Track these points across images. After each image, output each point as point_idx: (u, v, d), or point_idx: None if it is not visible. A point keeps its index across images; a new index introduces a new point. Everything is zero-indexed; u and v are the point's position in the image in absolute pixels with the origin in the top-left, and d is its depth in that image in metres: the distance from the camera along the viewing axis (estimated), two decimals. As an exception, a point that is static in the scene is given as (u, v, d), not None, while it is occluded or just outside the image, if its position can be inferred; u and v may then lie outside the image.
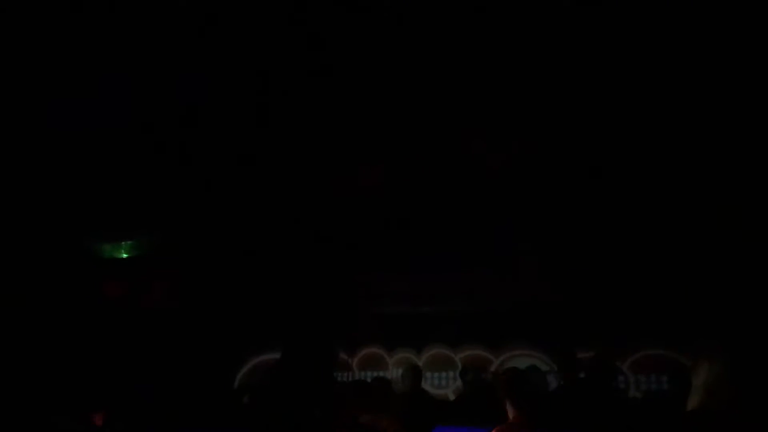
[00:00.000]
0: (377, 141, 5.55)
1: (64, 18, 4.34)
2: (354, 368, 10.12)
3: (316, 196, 6.74)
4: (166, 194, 7.03)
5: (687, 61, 4.47)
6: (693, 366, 2.15)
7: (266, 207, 7.08)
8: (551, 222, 7.02)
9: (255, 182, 6.50)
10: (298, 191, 6.63)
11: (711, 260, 6.93)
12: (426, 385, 9.49)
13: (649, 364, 8.38)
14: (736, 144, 5.24)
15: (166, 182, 6.68)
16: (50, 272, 8.10)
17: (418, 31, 4.40)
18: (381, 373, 9.46)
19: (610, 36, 4.48)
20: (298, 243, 7.97)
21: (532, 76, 4.72)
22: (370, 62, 4.66)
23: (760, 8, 3.88)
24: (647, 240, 7.08)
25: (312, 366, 8.85)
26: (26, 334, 7.54)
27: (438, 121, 5.28)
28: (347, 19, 4.33)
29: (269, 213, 7.24)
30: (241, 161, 5.96)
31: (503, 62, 4.64)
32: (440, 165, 5.98)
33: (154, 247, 8.75)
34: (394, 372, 9.56)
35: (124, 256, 9.10)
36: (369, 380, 7.98)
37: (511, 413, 4.02)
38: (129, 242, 8.92)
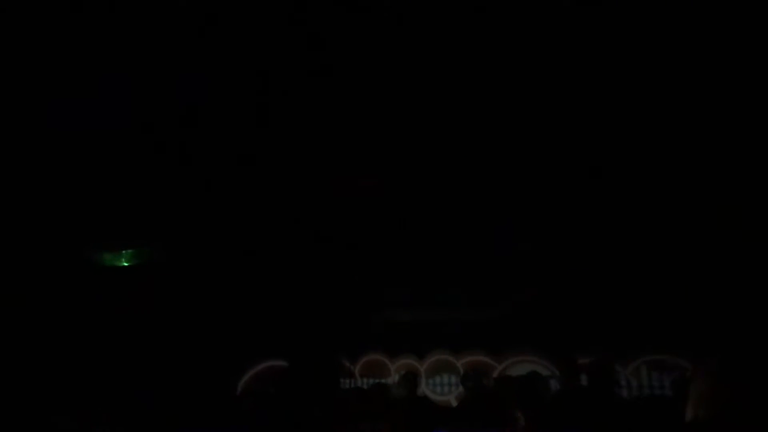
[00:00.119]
0: (377, 141, 5.54)
1: (64, 18, 4.34)
2: (356, 375, 10.09)
3: (317, 199, 6.72)
4: (166, 198, 7.03)
5: (681, 61, 4.47)
6: (692, 373, 2.13)
7: (267, 210, 7.07)
8: (553, 226, 7.00)
9: (256, 184, 6.48)
10: (299, 193, 6.62)
11: (713, 264, 6.90)
12: (428, 392, 9.46)
13: (651, 369, 8.34)
14: (735, 147, 5.22)
15: (166, 186, 6.68)
16: (52, 276, 8.10)
17: (418, 32, 4.40)
18: (383, 380, 9.43)
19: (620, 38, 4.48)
20: (299, 247, 7.96)
21: (531, 75, 4.71)
22: (370, 62, 4.66)
23: (760, 8, 3.87)
24: (649, 245, 7.06)
25: (317, 373, 8.84)
26: (27, 337, 7.53)
27: (438, 121, 5.27)
28: (347, 19, 4.32)
29: (270, 216, 7.22)
30: (241, 162, 5.95)
31: (503, 62, 4.63)
32: (441, 166, 5.96)
33: (155, 254, 8.75)
34: (396, 378, 9.53)
35: (125, 264, 9.11)
36: (368, 387, 7.97)
37: (518, 420, 4.01)
38: (130, 251, 8.93)
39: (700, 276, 7.13)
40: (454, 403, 9.08)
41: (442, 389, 9.55)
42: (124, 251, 8.95)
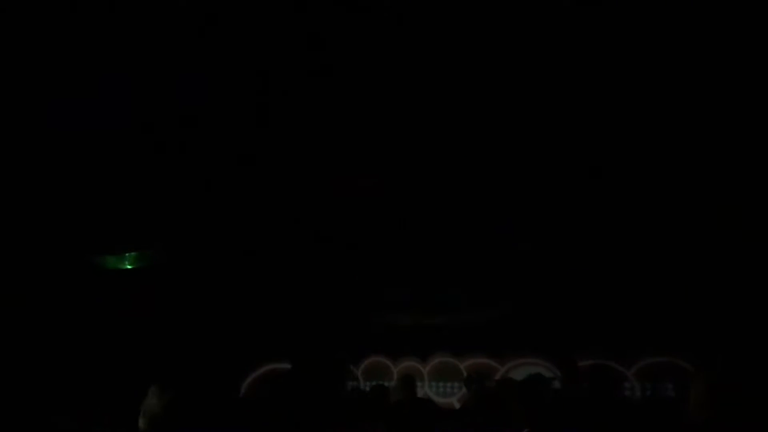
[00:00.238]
0: (377, 141, 5.52)
1: (64, 18, 4.34)
2: (359, 377, 10.09)
3: (317, 200, 6.71)
4: (168, 200, 7.03)
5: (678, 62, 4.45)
6: (693, 375, 2.12)
7: (268, 212, 7.06)
8: (554, 228, 6.98)
9: (256, 185, 6.48)
10: (300, 194, 6.61)
11: (714, 267, 6.87)
12: (431, 394, 9.45)
13: (654, 371, 8.30)
14: (735, 147, 5.19)
15: (167, 188, 6.67)
16: (55, 279, 8.11)
17: (418, 32, 4.38)
18: (385, 383, 9.41)
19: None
20: (300, 249, 7.95)
21: (530, 75, 4.69)
22: (369, 62, 4.64)
23: (760, 8, 3.84)
24: (651, 247, 7.03)
25: (320, 375, 8.82)
26: (30, 339, 7.54)
27: (438, 122, 5.25)
28: (347, 20, 4.31)
29: (271, 218, 7.22)
30: (242, 162, 5.94)
31: (504, 62, 4.61)
32: (441, 167, 5.94)
33: (158, 257, 8.76)
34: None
35: (128, 267, 9.12)
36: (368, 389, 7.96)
37: (521, 422, 4.00)
38: (133, 254, 8.94)
39: (701, 278, 7.10)
40: (457, 406, 9.07)
41: (445, 391, 9.54)
42: (127, 254, 8.96)
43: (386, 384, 9.20)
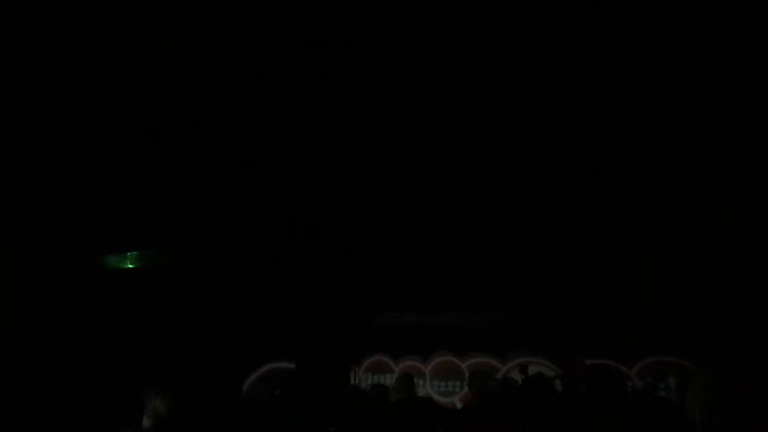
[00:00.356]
0: (378, 142, 5.53)
1: (64, 18, 4.34)
2: (360, 376, 10.10)
3: (319, 200, 6.72)
4: (169, 200, 7.03)
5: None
6: (693, 375, 2.11)
7: (269, 211, 7.07)
8: (556, 228, 6.98)
9: (257, 185, 6.48)
10: (301, 194, 6.61)
11: (714, 266, 6.87)
12: (432, 393, 9.46)
13: (656, 370, 8.31)
14: (735, 147, 5.19)
15: (169, 187, 6.68)
16: (56, 279, 8.12)
17: (416, 32, 4.38)
18: (386, 381, 9.42)
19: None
20: (302, 248, 7.96)
21: (530, 75, 4.68)
22: (369, 62, 4.64)
23: (760, 8, 3.84)
24: (652, 248, 7.03)
25: (324, 375, 8.83)
26: (31, 339, 7.55)
27: (440, 122, 5.25)
28: (347, 20, 4.31)
29: (272, 217, 7.22)
30: (243, 163, 5.95)
31: (502, 63, 4.61)
32: (445, 167, 5.95)
33: (159, 256, 8.77)
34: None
35: (130, 266, 9.13)
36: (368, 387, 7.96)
37: (523, 422, 3.98)
38: (134, 253, 8.95)
39: (702, 277, 7.10)
40: (459, 405, 9.07)
41: (446, 390, 9.54)
42: (128, 253, 8.97)
43: (384, 383, 9.24)
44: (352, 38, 4.36)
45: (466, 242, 7.40)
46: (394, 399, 6.42)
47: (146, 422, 5.08)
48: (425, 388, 9.54)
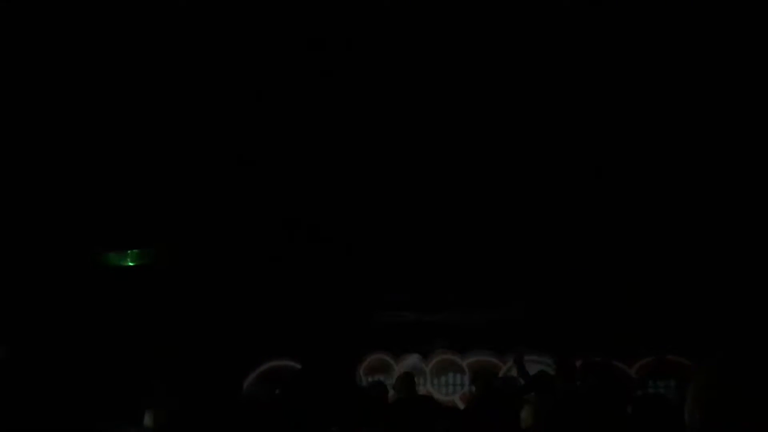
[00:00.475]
0: (378, 142, 5.53)
1: (63, 18, 4.35)
2: (360, 374, 10.09)
3: (320, 198, 6.72)
4: (171, 198, 7.04)
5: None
6: (692, 373, 2.10)
7: (269, 210, 7.07)
8: (558, 228, 6.98)
9: (258, 185, 6.49)
10: (302, 193, 6.62)
11: (714, 265, 6.87)
12: (433, 391, 9.44)
13: (656, 369, 8.31)
14: (735, 147, 5.19)
15: (170, 186, 6.69)
16: (57, 278, 8.13)
17: (416, 33, 4.39)
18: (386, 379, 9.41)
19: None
20: (302, 246, 7.96)
21: (530, 75, 4.69)
22: (369, 62, 4.65)
23: (760, 8, 3.84)
24: (653, 247, 7.03)
25: (329, 375, 8.82)
26: (31, 338, 7.55)
27: (442, 122, 5.26)
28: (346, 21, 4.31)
29: (272, 216, 7.22)
30: (242, 163, 5.95)
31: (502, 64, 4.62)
32: (447, 167, 5.95)
33: (160, 254, 8.77)
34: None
35: (130, 264, 9.14)
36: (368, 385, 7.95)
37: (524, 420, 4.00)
38: (135, 251, 8.95)
39: (701, 276, 7.10)
40: (459, 403, 9.08)
41: (447, 389, 9.54)
42: (129, 251, 8.97)
43: (383, 381, 9.23)
44: (353, 39, 4.36)
45: (466, 242, 7.41)
46: (395, 397, 6.44)
47: (147, 420, 5.10)
48: (426, 386, 9.54)
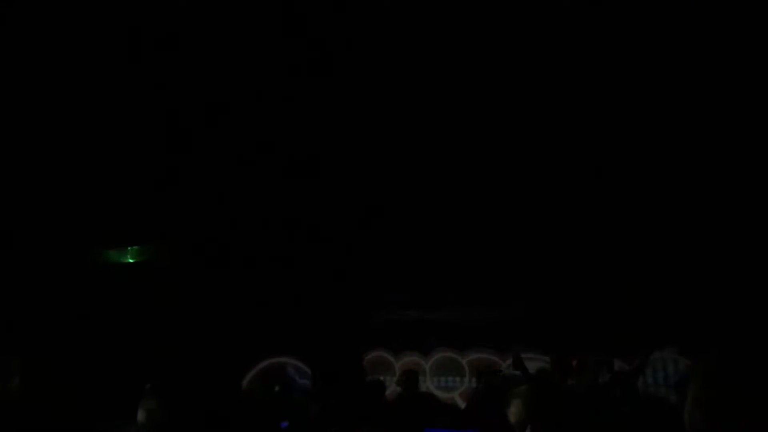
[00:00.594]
0: (379, 143, 5.54)
1: (62, 17, 4.35)
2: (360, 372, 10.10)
3: (320, 196, 6.73)
4: (171, 195, 7.04)
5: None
6: (690, 372, 2.11)
7: (268, 207, 7.07)
8: (556, 226, 6.98)
9: (257, 184, 6.49)
10: (301, 191, 6.62)
11: (714, 264, 6.88)
12: (433, 389, 9.47)
13: (655, 367, 8.31)
14: (736, 146, 5.19)
15: (171, 183, 6.69)
16: (57, 275, 8.13)
17: (416, 33, 4.39)
18: (385, 378, 9.42)
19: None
20: (303, 243, 7.97)
21: (530, 76, 4.69)
22: (369, 62, 4.65)
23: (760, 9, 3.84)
24: (652, 246, 7.04)
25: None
26: (31, 336, 7.56)
27: (443, 122, 5.26)
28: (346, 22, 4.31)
29: (272, 214, 7.23)
30: (241, 162, 5.96)
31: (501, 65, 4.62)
32: (442, 167, 5.95)
33: (160, 251, 8.78)
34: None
35: (130, 261, 9.14)
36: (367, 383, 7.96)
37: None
38: (135, 248, 8.96)
39: (700, 276, 7.11)
40: (459, 401, 9.10)
41: (447, 386, 9.56)
42: (129, 248, 8.98)
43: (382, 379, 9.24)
44: (353, 38, 4.36)
45: (466, 241, 7.42)
46: (398, 392, 6.46)
47: (140, 416, 5.09)
48: (425, 384, 9.55)
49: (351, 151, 5.81)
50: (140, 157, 6.31)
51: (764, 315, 6.19)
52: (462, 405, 8.91)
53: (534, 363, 8.58)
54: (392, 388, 9.01)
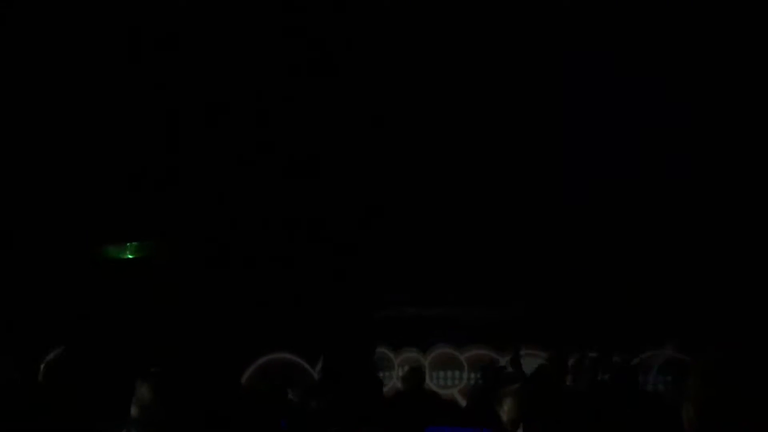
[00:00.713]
0: (381, 141, 5.54)
1: (63, 17, 4.35)
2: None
3: (318, 198, 6.73)
4: (168, 191, 7.04)
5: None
6: (689, 370, 2.11)
7: (269, 208, 7.08)
8: (556, 225, 6.99)
9: (256, 182, 6.49)
10: (301, 193, 6.63)
11: (712, 262, 6.89)
12: (432, 385, 9.48)
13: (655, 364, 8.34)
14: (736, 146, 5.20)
15: (170, 182, 6.69)
16: (56, 271, 8.13)
17: (416, 33, 4.39)
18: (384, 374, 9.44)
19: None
20: (303, 240, 7.97)
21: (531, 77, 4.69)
22: (369, 62, 4.64)
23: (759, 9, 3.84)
24: (651, 243, 7.04)
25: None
26: (30, 333, 7.56)
27: (445, 120, 5.27)
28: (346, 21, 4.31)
29: (273, 216, 7.23)
30: (241, 161, 5.96)
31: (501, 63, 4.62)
32: (442, 166, 5.96)
33: (159, 248, 8.78)
34: (400, 371, 9.56)
35: (129, 257, 9.14)
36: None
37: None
38: (134, 244, 8.95)
39: (699, 274, 7.12)
40: (458, 397, 9.13)
41: (446, 383, 9.58)
42: (128, 244, 8.98)
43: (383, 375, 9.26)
44: (353, 38, 4.36)
45: (467, 240, 7.43)
46: (403, 388, 6.49)
47: (133, 411, 5.07)
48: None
49: (351, 150, 5.80)
50: (140, 155, 6.31)
51: (764, 313, 6.21)
52: (461, 401, 8.95)
53: (534, 360, 8.63)
54: (391, 384, 9.04)
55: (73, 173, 6.72)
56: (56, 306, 8.14)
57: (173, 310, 8.88)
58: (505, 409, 3.93)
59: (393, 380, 9.28)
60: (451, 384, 9.57)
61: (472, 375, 9.36)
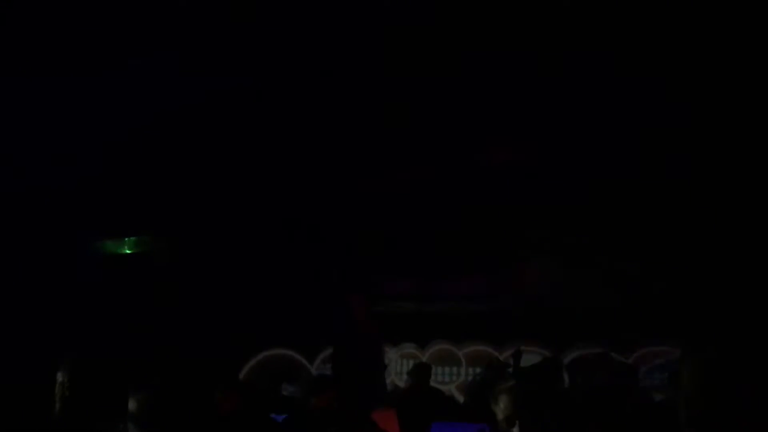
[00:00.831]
0: (380, 142, 5.54)
1: (62, 16, 4.34)
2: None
3: (317, 193, 6.74)
4: (170, 190, 7.05)
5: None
6: (683, 364, 2.10)
7: (268, 206, 7.08)
8: (555, 222, 7.01)
9: (255, 181, 6.50)
10: (301, 191, 6.63)
11: (710, 257, 6.91)
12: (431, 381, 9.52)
13: (651, 360, 8.38)
14: (735, 145, 5.21)
15: (170, 179, 6.70)
16: (55, 268, 8.13)
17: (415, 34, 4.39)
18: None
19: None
20: (298, 242, 7.98)
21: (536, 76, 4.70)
22: (368, 63, 4.65)
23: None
24: (650, 238, 7.06)
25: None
26: (29, 331, 7.57)
27: (443, 119, 5.27)
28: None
29: (271, 212, 7.23)
30: (241, 160, 5.96)
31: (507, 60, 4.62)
32: (442, 166, 5.97)
33: (157, 242, 8.78)
34: (396, 367, 9.61)
35: (127, 252, 9.14)
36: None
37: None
38: (132, 239, 8.95)
39: (700, 273, 7.15)
40: (456, 393, 9.18)
41: (444, 379, 9.61)
42: (126, 239, 8.98)
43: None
44: (353, 38, 4.36)
45: (466, 238, 7.44)
46: (407, 384, 6.53)
47: (131, 406, 5.07)
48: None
49: (351, 150, 5.81)
50: (139, 150, 6.30)
51: (763, 312, 6.22)
52: (459, 397, 8.99)
53: (532, 356, 8.66)
54: (390, 380, 9.07)
55: (73, 173, 6.72)
56: (56, 306, 8.13)
57: (171, 306, 8.89)
58: (501, 407, 3.93)
59: (391, 376, 9.31)
60: (449, 380, 9.61)
61: (470, 371, 9.40)
